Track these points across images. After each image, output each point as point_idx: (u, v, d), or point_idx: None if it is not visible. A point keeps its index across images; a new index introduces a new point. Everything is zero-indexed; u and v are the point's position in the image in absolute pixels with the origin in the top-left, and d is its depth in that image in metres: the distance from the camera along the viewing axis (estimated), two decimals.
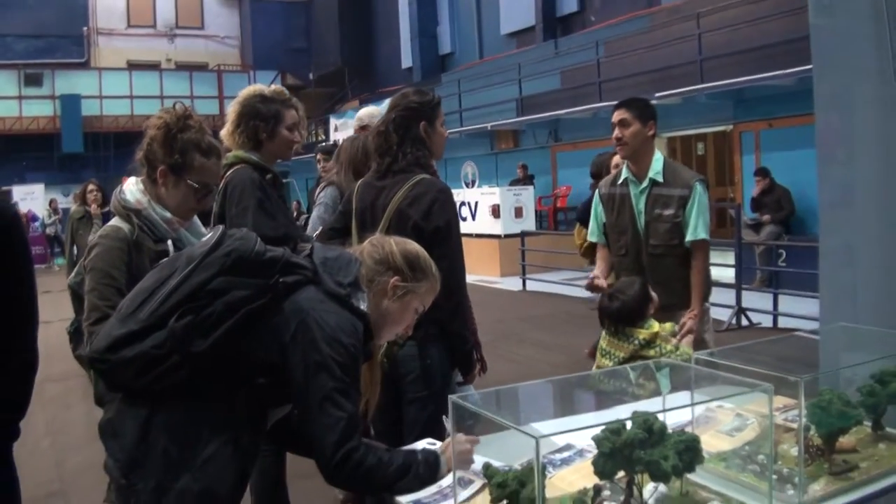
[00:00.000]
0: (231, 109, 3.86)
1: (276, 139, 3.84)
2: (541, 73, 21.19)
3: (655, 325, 3.93)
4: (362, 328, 2.37)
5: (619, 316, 3.89)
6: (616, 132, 4.48)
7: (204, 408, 2.27)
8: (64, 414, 7.48)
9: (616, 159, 6.80)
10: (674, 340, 4.00)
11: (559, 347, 9.51)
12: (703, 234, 4.40)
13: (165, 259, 2.52)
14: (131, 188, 2.90)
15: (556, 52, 23.21)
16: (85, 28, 34.58)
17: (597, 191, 4.85)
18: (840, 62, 3.26)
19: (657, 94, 14.86)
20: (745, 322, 10.26)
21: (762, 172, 13.49)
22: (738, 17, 14.95)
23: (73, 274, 3.04)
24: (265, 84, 4.22)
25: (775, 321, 10.26)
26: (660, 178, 4.46)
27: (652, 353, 3.91)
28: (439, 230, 3.41)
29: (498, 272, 16.44)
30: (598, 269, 4.71)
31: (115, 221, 2.87)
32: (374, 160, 3.76)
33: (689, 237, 4.40)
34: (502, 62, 24.73)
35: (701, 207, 4.41)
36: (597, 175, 7.00)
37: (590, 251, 7.16)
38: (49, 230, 25.99)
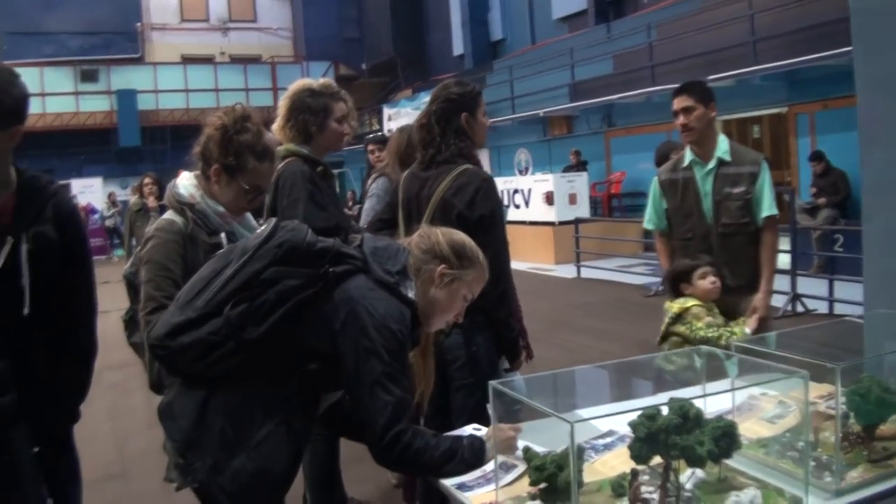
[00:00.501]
0: (281, 104, 3.96)
1: (325, 132, 3.93)
2: (593, 57, 21.02)
3: (689, 302, 4.19)
4: (410, 315, 2.46)
5: (668, 276, 4.40)
6: (681, 119, 4.46)
7: (258, 391, 2.37)
8: (123, 400, 7.72)
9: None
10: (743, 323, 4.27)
11: (613, 335, 9.51)
12: (774, 210, 4.41)
13: (221, 250, 2.64)
14: (185, 183, 2.98)
15: (608, 36, 23.04)
16: (138, 24, 35.10)
17: (654, 178, 4.85)
18: (881, 44, 3.24)
19: (710, 77, 14.68)
20: (800, 309, 10.14)
21: (817, 156, 13.26)
22: None
23: (128, 265, 3.13)
24: (318, 75, 4.30)
25: (831, 307, 10.10)
26: (728, 157, 4.45)
27: (682, 328, 4.05)
28: (483, 219, 3.47)
29: (552, 259, 16.39)
30: (664, 260, 4.77)
31: (169, 215, 2.95)
32: (419, 152, 3.84)
33: (764, 212, 4.40)
34: (554, 47, 24.60)
35: (769, 184, 4.43)
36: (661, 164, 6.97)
37: None
38: (108, 222, 26.54)
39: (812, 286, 10.45)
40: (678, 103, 4.48)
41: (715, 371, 2.77)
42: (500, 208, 3.70)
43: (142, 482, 5.54)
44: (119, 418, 7.14)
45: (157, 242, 2.87)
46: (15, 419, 1.95)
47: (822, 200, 12.80)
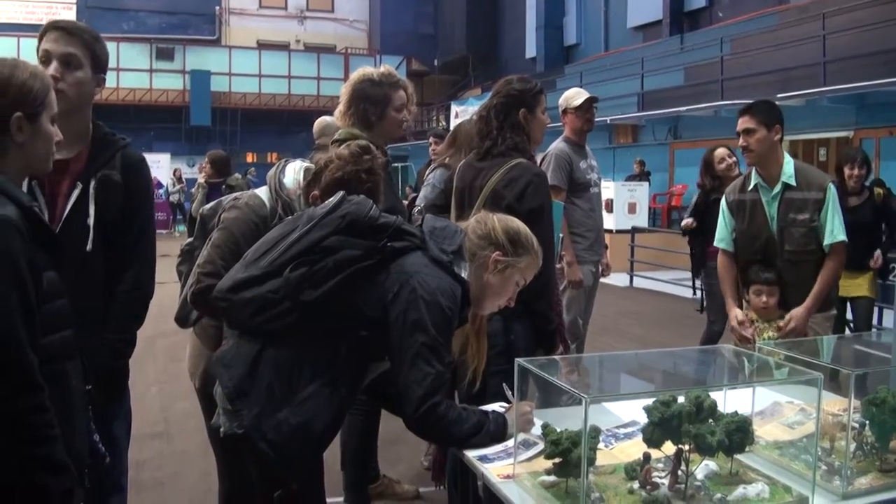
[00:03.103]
0: (343, 92, 4.07)
1: (385, 120, 4.03)
2: (664, 68, 20.94)
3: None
4: (461, 294, 2.59)
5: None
6: (741, 140, 4.37)
7: (309, 351, 2.51)
8: (172, 366, 7.95)
9: (720, 153, 6.78)
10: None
11: (658, 344, 9.46)
12: (840, 237, 4.26)
13: (290, 217, 2.81)
14: (291, 175, 3.09)
15: (681, 47, 22.90)
16: (217, 7, 35.68)
17: (724, 198, 4.71)
18: None
19: (779, 95, 14.58)
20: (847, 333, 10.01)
21: (877, 185, 13.04)
22: (864, 18, 14.52)
23: (209, 205, 3.24)
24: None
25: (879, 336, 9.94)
26: (792, 182, 4.32)
27: None
28: (532, 212, 3.53)
29: None
30: (734, 301, 4.57)
31: (262, 195, 3.07)
32: (476, 143, 3.96)
33: (826, 240, 4.26)
34: (626, 55, 24.51)
35: (836, 209, 4.29)
36: (702, 172, 6.98)
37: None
38: (172, 198, 26.93)
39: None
40: (741, 124, 4.38)
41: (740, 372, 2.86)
42: (549, 203, 3.78)
43: (183, 442, 5.79)
44: (166, 382, 7.40)
45: (240, 216, 3.00)
46: (72, 354, 2.10)
47: None
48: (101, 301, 2.89)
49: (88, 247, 2.80)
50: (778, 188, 4.35)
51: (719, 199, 4.87)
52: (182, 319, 3.14)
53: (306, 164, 3.14)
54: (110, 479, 2.92)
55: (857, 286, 6.42)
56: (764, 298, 4.28)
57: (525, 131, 3.87)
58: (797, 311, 4.25)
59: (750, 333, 4.32)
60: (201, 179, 9.79)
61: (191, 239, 3.24)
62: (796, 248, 4.31)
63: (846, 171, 6.45)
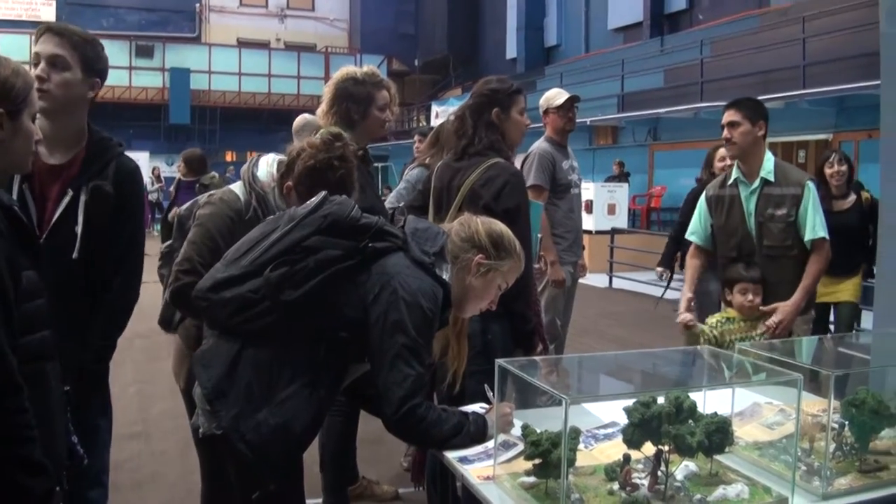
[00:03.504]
0: (325, 91, 4.05)
1: (368, 119, 4.02)
2: (644, 70, 21.02)
3: (715, 318, 4.33)
4: (442, 295, 2.58)
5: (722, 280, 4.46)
6: (725, 133, 4.42)
7: (289, 351, 2.50)
8: (150, 366, 7.91)
9: (721, 152, 6.77)
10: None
11: (638, 346, 9.46)
12: (822, 233, 4.30)
13: (272, 216, 2.80)
14: (264, 168, 3.10)
15: (661, 49, 23.01)
16: (197, 4, 35.51)
17: (703, 193, 4.79)
18: None
19: (759, 98, 14.63)
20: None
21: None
22: (844, 22, 14.60)
23: (184, 207, 3.25)
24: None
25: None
26: (771, 178, 4.38)
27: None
28: (509, 212, 3.54)
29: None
30: (689, 288, 4.64)
31: (237, 189, 3.08)
32: (453, 142, 3.97)
33: (808, 236, 4.30)
34: (607, 57, 24.61)
35: (816, 206, 4.33)
36: (704, 168, 6.96)
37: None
38: (151, 196, 26.72)
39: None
40: (726, 117, 4.43)
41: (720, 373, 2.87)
42: (526, 203, 3.80)
43: (161, 442, 5.76)
44: (145, 382, 7.36)
45: (215, 211, 3.01)
46: (51, 354, 2.08)
47: None
48: (84, 306, 2.91)
49: (75, 254, 2.83)
50: (757, 183, 4.41)
51: None
52: (165, 322, 3.14)
53: (280, 157, 3.13)
54: (90, 473, 2.92)
55: (841, 291, 6.34)
56: (750, 297, 4.24)
57: (500, 130, 3.88)
58: (785, 305, 4.24)
59: (689, 320, 4.38)
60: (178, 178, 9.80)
61: (170, 241, 3.24)
62: (774, 244, 4.36)
63: (826, 170, 6.40)
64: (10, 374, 1.79)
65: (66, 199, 2.83)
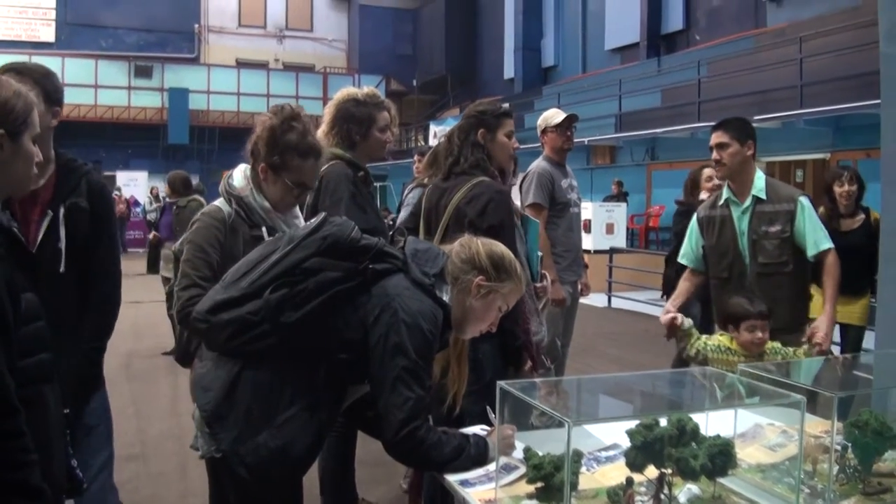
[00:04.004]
0: (326, 111, 4.09)
1: (368, 140, 4.06)
2: (642, 90, 21.09)
3: (713, 340, 4.16)
4: (442, 317, 2.57)
5: (721, 314, 4.28)
6: (714, 154, 4.44)
7: (289, 373, 2.49)
8: (148, 388, 7.89)
9: (707, 172, 6.76)
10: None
11: (637, 366, 9.47)
12: (825, 244, 4.29)
13: (272, 237, 2.82)
14: (239, 175, 3.17)
15: (658, 69, 23.07)
16: (196, 25, 35.57)
17: (694, 215, 4.78)
18: None
19: (756, 117, 14.70)
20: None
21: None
22: (841, 42, 14.69)
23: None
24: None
25: None
26: (763, 195, 4.38)
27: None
28: (493, 228, 3.55)
29: None
30: (674, 302, 4.57)
31: (218, 202, 3.16)
32: (441, 162, 4.00)
33: (811, 251, 4.29)
34: (604, 77, 24.68)
35: (813, 220, 4.33)
36: (691, 188, 6.95)
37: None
38: (150, 216, 26.68)
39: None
40: (714, 138, 4.45)
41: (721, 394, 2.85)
42: (510, 220, 3.83)
43: (159, 464, 5.73)
44: (142, 403, 7.32)
45: (201, 226, 3.08)
46: (49, 377, 2.07)
47: None
48: (74, 317, 3.07)
49: (62, 268, 3.01)
50: (748, 202, 4.42)
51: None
52: (182, 359, 3.15)
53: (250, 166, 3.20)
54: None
55: (849, 313, 6.20)
56: (759, 334, 3.98)
57: (486, 151, 3.92)
58: (821, 323, 4.19)
59: (673, 316, 4.25)
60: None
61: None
62: (769, 261, 4.35)
63: (836, 188, 6.27)
64: (7, 398, 1.78)
65: (47, 219, 3.00)
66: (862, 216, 6.32)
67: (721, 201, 4.55)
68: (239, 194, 3.10)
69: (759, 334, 3.99)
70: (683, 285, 4.75)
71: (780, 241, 4.34)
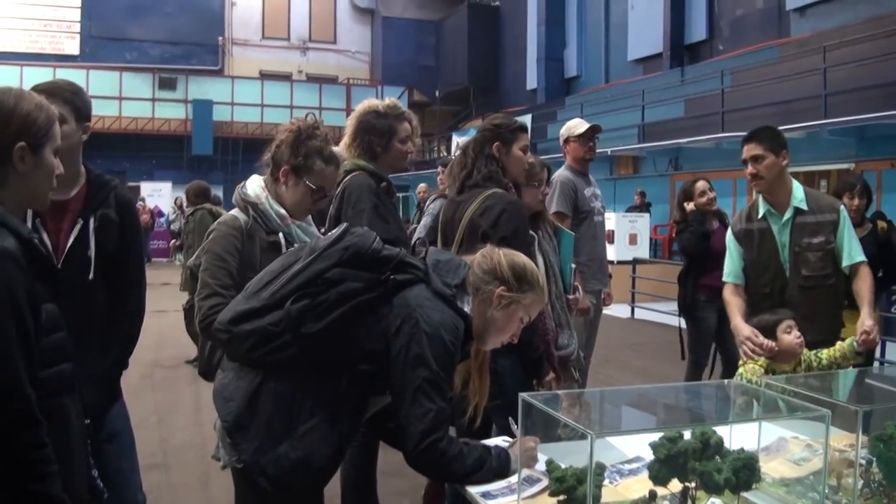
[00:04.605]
0: (348, 123, 4.12)
1: (390, 152, 4.08)
2: (665, 100, 21.00)
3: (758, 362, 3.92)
4: (463, 328, 2.57)
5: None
6: (750, 168, 4.29)
7: (310, 384, 2.49)
8: (171, 397, 7.93)
9: (700, 186, 6.73)
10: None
11: (661, 377, 9.44)
12: (859, 257, 4.23)
13: (293, 248, 2.84)
14: (253, 184, 3.21)
15: (681, 79, 22.96)
16: (220, 38, 35.77)
17: (729, 230, 4.63)
18: None
19: (780, 127, 14.56)
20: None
21: (873, 217, 12.99)
22: (865, 52, 14.61)
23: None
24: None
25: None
26: (804, 206, 4.27)
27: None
28: (505, 239, 3.52)
29: None
30: (735, 309, 4.33)
31: (234, 212, 3.19)
32: (455, 174, 4.02)
33: (846, 262, 4.22)
34: (627, 87, 24.60)
35: (851, 231, 4.27)
36: (683, 202, 6.92)
37: None
38: (174, 226, 26.91)
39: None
40: (747, 151, 4.31)
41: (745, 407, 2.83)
42: (524, 230, 3.84)
43: (181, 474, 5.76)
44: (165, 412, 7.36)
45: (218, 235, 3.10)
46: (70, 388, 2.08)
47: None
48: (102, 325, 3.16)
49: (90, 276, 3.08)
50: (789, 214, 4.30)
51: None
52: (206, 373, 3.15)
53: (265, 176, 3.24)
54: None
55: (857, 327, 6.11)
56: (797, 333, 3.90)
57: (500, 164, 3.92)
58: (867, 321, 4.06)
59: (765, 344, 3.91)
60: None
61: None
62: (812, 273, 4.25)
63: (846, 200, 6.16)
64: (29, 409, 1.79)
65: (77, 228, 3.09)
66: (869, 226, 6.31)
67: (759, 215, 4.39)
68: (254, 202, 3.13)
69: (798, 333, 3.90)
70: (734, 298, 4.45)
71: (823, 252, 4.24)
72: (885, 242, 6.26)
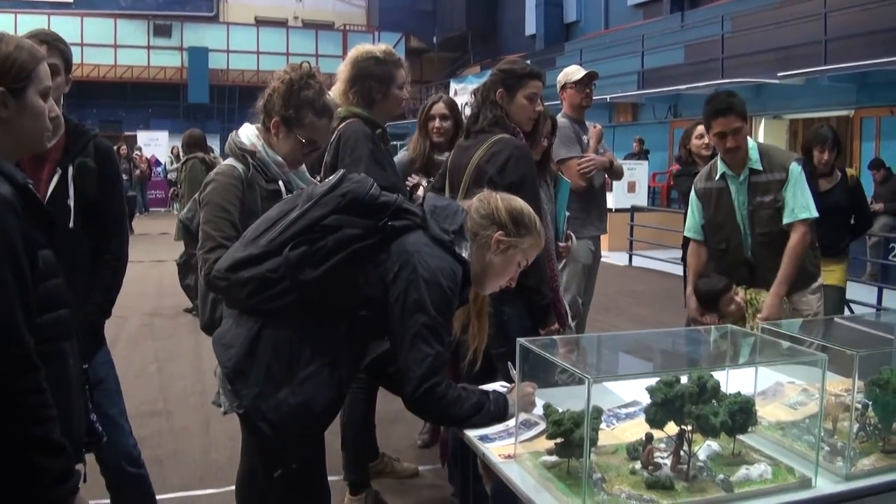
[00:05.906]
0: (343, 69, 4.04)
1: (388, 98, 4.03)
2: (664, 45, 20.86)
3: None
4: (461, 274, 2.57)
5: (702, 294, 4.53)
6: (729, 142, 4.28)
7: (309, 331, 2.50)
8: (171, 346, 7.95)
9: (700, 129, 6.65)
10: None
11: (659, 323, 9.47)
12: (802, 214, 4.25)
13: (291, 194, 2.82)
14: (247, 132, 3.14)
15: (681, 24, 22.80)
16: None
17: (693, 186, 4.71)
18: None
19: (779, 74, 14.56)
20: (846, 314, 10.00)
21: (877, 164, 12.95)
22: None
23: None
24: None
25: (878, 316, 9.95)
26: (758, 166, 4.34)
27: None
28: (513, 185, 3.49)
29: (606, 246, 16.18)
30: (691, 274, 4.70)
31: (230, 161, 3.12)
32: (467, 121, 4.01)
33: (786, 219, 4.27)
34: (626, 33, 24.41)
35: (799, 187, 4.28)
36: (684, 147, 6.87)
37: None
38: (171, 176, 26.77)
39: (864, 293, 10.24)
40: (724, 125, 4.27)
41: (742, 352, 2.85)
42: (532, 175, 3.79)
43: (182, 419, 5.80)
44: (165, 361, 7.38)
45: (217, 186, 3.03)
46: (69, 333, 2.08)
47: (879, 206, 12.30)
48: (86, 273, 3.16)
49: (71, 224, 3.09)
50: (744, 174, 4.37)
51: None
52: (208, 328, 3.11)
53: (257, 124, 3.17)
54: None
55: (828, 274, 5.92)
56: (737, 300, 4.39)
57: (503, 110, 3.90)
58: (768, 301, 4.28)
59: (707, 320, 4.40)
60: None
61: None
62: (766, 230, 4.35)
63: (815, 153, 6.12)
64: (27, 354, 1.79)
65: (56, 177, 3.07)
66: (839, 174, 6.24)
67: (717, 175, 4.47)
68: (251, 150, 3.08)
69: (738, 300, 4.38)
70: (694, 259, 4.73)
71: (773, 210, 4.32)
72: (855, 191, 6.27)
